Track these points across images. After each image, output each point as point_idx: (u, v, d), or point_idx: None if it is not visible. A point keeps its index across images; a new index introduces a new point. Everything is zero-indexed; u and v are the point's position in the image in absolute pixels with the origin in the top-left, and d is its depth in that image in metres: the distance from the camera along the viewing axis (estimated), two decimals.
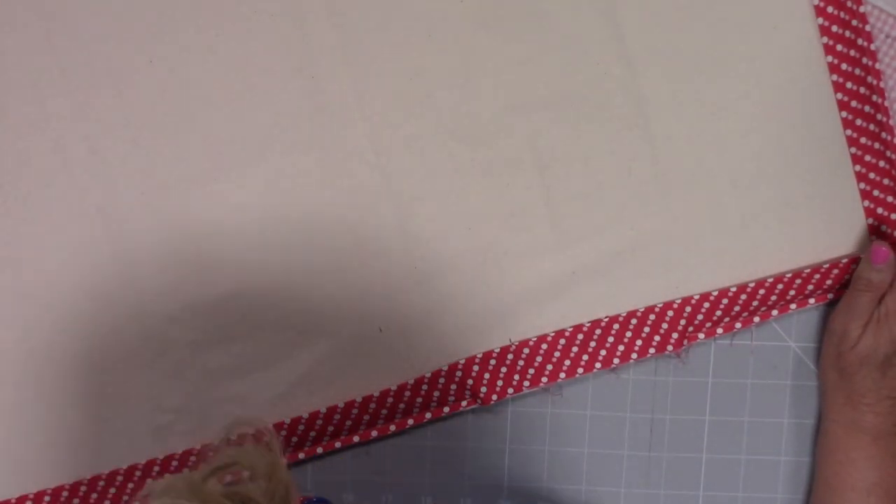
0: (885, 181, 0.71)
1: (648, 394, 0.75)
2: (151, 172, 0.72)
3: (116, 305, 0.72)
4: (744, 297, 0.72)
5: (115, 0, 0.71)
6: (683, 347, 0.72)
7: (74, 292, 0.72)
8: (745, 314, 0.72)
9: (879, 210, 0.72)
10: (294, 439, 0.73)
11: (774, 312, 0.72)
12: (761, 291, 0.72)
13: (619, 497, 0.76)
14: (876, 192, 0.72)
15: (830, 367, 0.72)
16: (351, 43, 0.72)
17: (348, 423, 0.73)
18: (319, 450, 0.73)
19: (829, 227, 0.72)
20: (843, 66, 0.71)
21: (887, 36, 0.72)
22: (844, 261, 0.72)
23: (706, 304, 0.72)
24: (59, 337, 0.73)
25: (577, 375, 0.73)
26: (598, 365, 0.73)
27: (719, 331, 0.72)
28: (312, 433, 0.73)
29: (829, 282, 0.72)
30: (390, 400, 0.73)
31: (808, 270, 0.72)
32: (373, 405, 0.73)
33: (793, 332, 0.75)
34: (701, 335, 0.72)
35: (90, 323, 0.73)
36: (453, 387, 0.73)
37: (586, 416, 0.75)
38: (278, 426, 0.73)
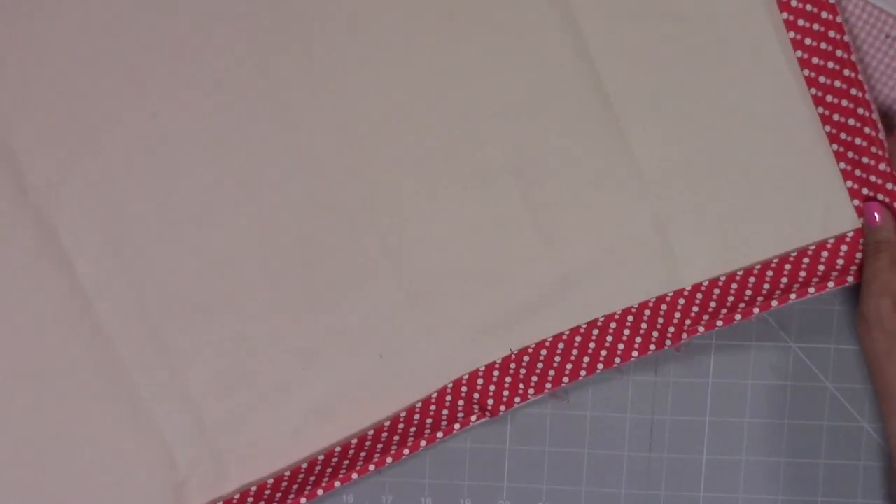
0: (865, 160, 0.70)
1: (648, 394, 0.75)
2: (133, 227, 0.72)
3: (110, 368, 0.73)
4: (734, 285, 0.72)
5: (84, 58, 0.72)
6: (683, 341, 0.72)
7: (61, 373, 0.73)
8: (743, 304, 0.71)
9: (864, 190, 0.71)
10: (312, 478, 0.73)
11: (774, 303, 0.71)
12: (751, 279, 0.72)
13: (620, 498, 0.76)
14: (858, 172, 0.71)
15: (882, 358, 0.68)
16: (320, 70, 0.72)
17: (363, 454, 0.73)
18: (337, 484, 0.73)
19: (816, 212, 0.72)
20: (808, 41, 0.71)
21: (887, 36, 0.72)
22: (832, 241, 0.71)
23: (699, 295, 0.72)
24: (56, 411, 0.73)
25: (581, 378, 0.73)
26: (600, 366, 0.73)
27: (719, 323, 0.71)
28: (329, 469, 0.73)
29: (821, 266, 0.71)
30: (401, 426, 0.73)
31: (794, 254, 0.71)
32: (385, 434, 0.73)
33: (793, 332, 0.75)
34: (700, 328, 0.71)
35: (86, 392, 0.73)
36: (461, 403, 0.73)
37: (586, 416, 0.75)
38: (295, 471, 0.73)
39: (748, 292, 0.72)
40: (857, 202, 0.71)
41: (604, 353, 0.73)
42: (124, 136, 0.72)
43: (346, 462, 0.73)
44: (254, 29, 0.72)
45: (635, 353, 0.72)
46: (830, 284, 0.70)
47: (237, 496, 0.74)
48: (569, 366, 0.73)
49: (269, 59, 0.72)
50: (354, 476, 0.73)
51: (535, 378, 0.73)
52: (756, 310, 0.71)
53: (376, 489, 0.76)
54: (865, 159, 0.70)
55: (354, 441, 0.73)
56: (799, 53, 0.70)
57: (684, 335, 0.72)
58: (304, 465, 0.74)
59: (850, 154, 0.71)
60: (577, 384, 0.74)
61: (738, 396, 0.75)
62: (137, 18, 0.72)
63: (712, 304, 0.72)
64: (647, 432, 0.75)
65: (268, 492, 0.73)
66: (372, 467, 0.73)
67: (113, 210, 0.72)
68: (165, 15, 0.72)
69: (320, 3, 0.72)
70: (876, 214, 0.69)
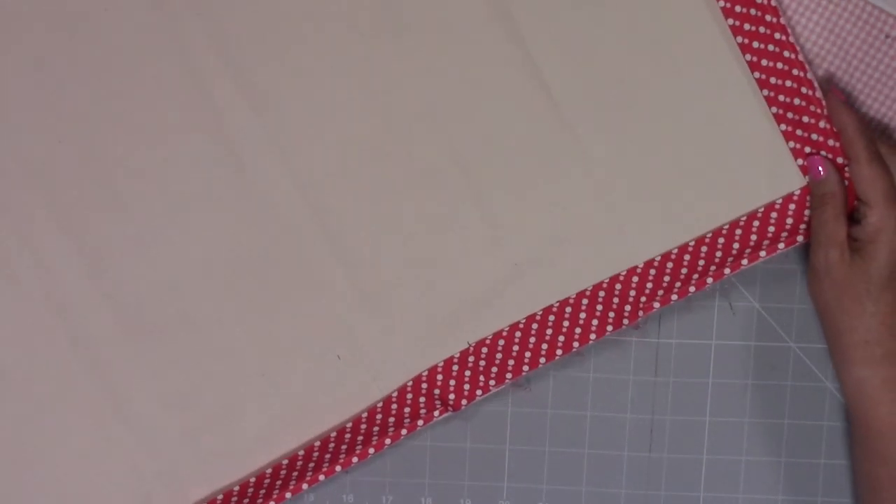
0: (805, 119, 0.71)
1: (648, 394, 0.75)
2: (85, 249, 0.72)
3: (79, 388, 0.73)
4: (687, 256, 0.72)
5: (17, 84, 0.72)
6: (640, 318, 0.72)
7: (30, 382, 0.73)
8: (696, 276, 0.72)
9: (807, 149, 0.72)
10: (279, 482, 0.73)
11: (727, 271, 0.71)
12: (703, 248, 0.72)
13: (620, 498, 0.76)
14: (799, 132, 0.72)
15: (832, 306, 0.68)
16: (251, 85, 0.72)
17: (328, 455, 0.73)
18: (305, 486, 0.73)
19: (761, 175, 0.72)
20: (738, 9, 0.71)
21: (887, 36, 0.72)
22: (780, 202, 0.72)
23: (652, 271, 0.73)
24: (22, 428, 0.73)
25: (541, 365, 0.73)
26: (559, 351, 0.73)
27: (674, 297, 0.72)
28: (295, 472, 0.73)
29: (771, 228, 0.71)
30: (364, 426, 0.74)
31: (744, 219, 0.72)
32: (348, 435, 0.74)
33: (793, 332, 0.75)
34: (656, 303, 0.72)
35: (54, 408, 0.73)
36: (422, 399, 0.73)
37: (586, 416, 0.75)
38: (260, 477, 0.73)
39: (701, 262, 0.72)
40: (800, 161, 0.72)
41: (562, 338, 0.73)
42: (70, 156, 0.72)
43: (312, 465, 0.73)
44: (190, 47, 0.72)
45: (593, 336, 0.73)
46: (781, 245, 0.71)
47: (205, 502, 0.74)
48: (528, 354, 0.73)
49: (206, 77, 0.72)
50: (321, 478, 0.73)
51: (495, 369, 0.73)
52: (710, 279, 0.71)
53: (376, 489, 0.76)
54: (805, 118, 0.71)
55: (318, 443, 0.74)
56: (731, 21, 0.71)
57: (641, 312, 0.72)
58: (269, 471, 0.74)
59: (789, 115, 0.71)
60: (573, 383, 0.74)
61: (738, 396, 0.75)
62: (69, 46, 0.72)
63: (666, 278, 0.72)
64: (647, 432, 0.75)
65: (234, 499, 0.73)
66: (338, 468, 0.73)
67: (77, 225, 0.73)
68: (96, 39, 0.72)
69: (253, 4, 0.72)
70: (820, 168, 0.69)
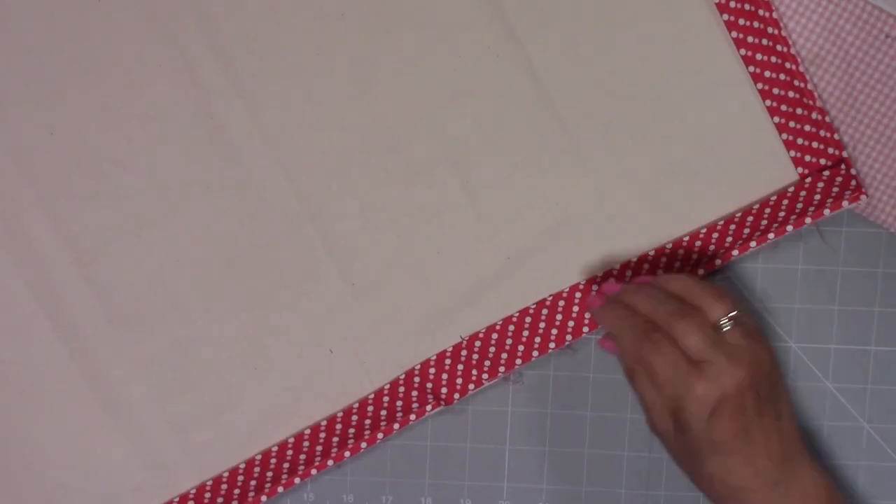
0: (798, 111, 0.72)
1: None
2: (75, 241, 0.73)
3: (66, 378, 0.73)
4: (681, 251, 0.72)
5: (8, 75, 0.72)
6: None
7: (19, 373, 0.73)
8: (689, 270, 0.72)
9: (799, 140, 0.72)
10: (269, 473, 0.73)
11: (718, 262, 0.71)
12: (697, 243, 0.72)
13: (620, 498, 0.76)
14: (792, 124, 0.72)
15: (684, 467, 0.66)
16: (241, 77, 0.72)
17: (319, 448, 0.73)
18: (297, 480, 0.73)
19: (755, 170, 0.73)
20: (732, 4, 0.71)
21: (887, 36, 0.72)
22: (774, 198, 0.72)
23: (645, 265, 0.73)
24: (11, 419, 0.73)
25: (534, 359, 0.73)
26: (551, 345, 0.73)
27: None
28: (286, 464, 0.73)
29: (763, 222, 0.72)
30: (355, 418, 0.74)
31: (739, 215, 0.72)
32: (339, 426, 0.74)
33: (793, 332, 0.75)
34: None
35: (43, 399, 0.73)
36: (414, 393, 0.73)
37: (586, 416, 0.75)
38: (250, 465, 0.73)
39: (694, 256, 0.72)
40: (793, 154, 0.72)
41: (554, 331, 0.73)
42: (55, 150, 0.72)
43: (303, 457, 0.74)
44: (182, 39, 0.72)
45: (586, 329, 0.73)
46: (771, 236, 0.71)
47: (193, 491, 0.74)
48: (521, 347, 0.73)
49: (197, 70, 0.72)
50: (313, 472, 0.73)
51: (487, 363, 0.73)
52: (701, 271, 0.72)
53: (376, 489, 0.76)
54: (799, 111, 0.72)
55: (308, 433, 0.74)
56: (725, 16, 0.71)
57: None
58: (259, 458, 0.74)
59: (783, 108, 0.72)
60: (572, 382, 0.74)
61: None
62: (58, 37, 0.72)
63: (660, 272, 0.72)
64: (647, 432, 0.75)
65: (224, 486, 0.74)
66: (330, 462, 0.73)
67: (67, 216, 0.73)
68: (89, 31, 0.72)
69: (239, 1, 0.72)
70: (610, 344, 0.67)
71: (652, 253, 0.73)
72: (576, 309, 0.73)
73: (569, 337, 0.73)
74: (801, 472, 0.64)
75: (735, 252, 0.71)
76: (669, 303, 0.64)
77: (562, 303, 0.73)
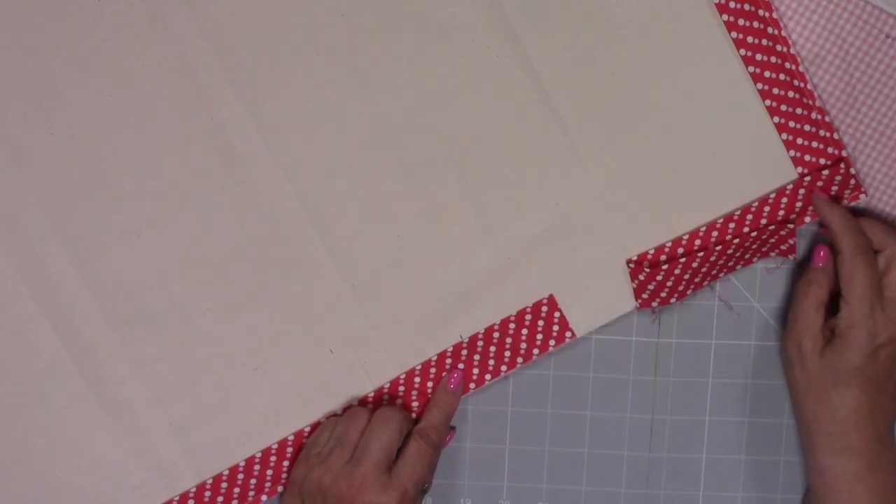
0: (798, 111, 0.72)
1: (648, 394, 0.75)
2: (75, 241, 0.72)
3: (66, 378, 0.73)
4: (681, 250, 0.72)
5: (8, 75, 0.72)
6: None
7: (19, 373, 0.73)
8: (687, 275, 0.72)
9: (799, 140, 0.72)
10: (269, 473, 0.73)
11: (722, 274, 0.72)
12: (697, 241, 0.72)
13: (619, 497, 0.76)
14: (792, 124, 0.72)
15: (801, 395, 0.70)
16: (242, 77, 0.72)
17: None
18: None
19: (755, 169, 0.73)
20: (732, 4, 0.71)
21: (887, 36, 0.72)
22: (773, 194, 0.72)
23: (645, 265, 0.73)
24: (11, 419, 0.73)
25: (534, 357, 0.73)
26: (552, 342, 0.73)
27: (673, 300, 0.72)
28: (286, 464, 0.73)
29: (763, 220, 0.72)
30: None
31: (739, 213, 0.72)
32: None
33: None
34: (654, 304, 0.72)
35: (43, 399, 0.73)
36: (414, 393, 0.74)
37: (586, 416, 0.75)
38: (250, 464, 0.73)
39: (695, 262, 0.72)
40: (793, 153, 0.72)
41: (556, 328, 0.73)
42: (54, 150, 0.72)
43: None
44: (182, 40, 0.72)
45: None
46: (773, 240, 0.71)
47: (193, 491, 0.74)
48: (523, 346, 0.73)
49: (197, 70, 0.72)
50: None
51: (492, 362, 0.74)
52: (706, 281, 0.72)
53: None
54: (799, 111, 0.72)
55: (307, 429, 0.74)
56: (725, 17, 0.71)
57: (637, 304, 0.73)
58: (259, 458, 0.74)
59: (783, 108, 0.72)
60: (572, 382, 0.74)
61: (737, 396, 0.75)
62: (57, 37, 0.72)
63: (660, 276, 0.72)
64: (646, 432, 0.75)
65: (224, 486, 0.74)
66: None
67: (66, 216, 0.73)
68: (89, 30, 0.72)
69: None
70: (822, 254, 0.70)
71: (652, 252, 0.73)
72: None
73: (568, 334, 0.73)
74: (892, 448, 0.69)
75: (739, 266, 0.71)
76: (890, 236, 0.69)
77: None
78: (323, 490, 0.67)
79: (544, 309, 0.73)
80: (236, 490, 0.74)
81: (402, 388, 0.74)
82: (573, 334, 0.73)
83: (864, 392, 0.67)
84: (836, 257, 0.69)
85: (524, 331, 0.73)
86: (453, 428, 0.74)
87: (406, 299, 0.74)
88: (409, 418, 0.70)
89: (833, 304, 0.70)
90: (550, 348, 0.73)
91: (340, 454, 0.68)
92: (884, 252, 0.69)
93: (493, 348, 0.74)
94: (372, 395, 0.74)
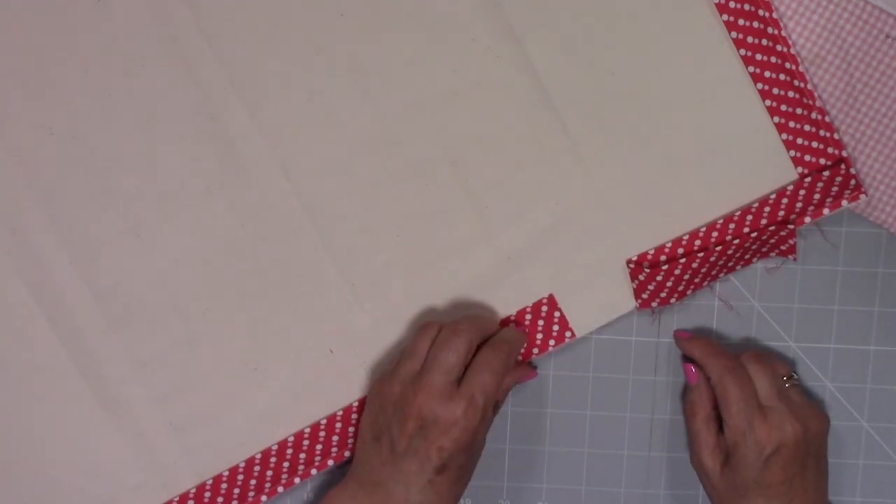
0: (798, 111, 0.72)
1: (648, 394, 0.75)
2: (75, 241, 0.73)
3: (66, 378, 0.73)
4: (681, 251, 0.72)
5: (8, 74, 0.72)
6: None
7: (19, 373, 0.73)
8: (687, 275, 0.72)
9: (799, 140, 0.72)
10: (269, 473, 0.73)
11: (722, 273, 0.72)
12: (697, 242, 0.72)
13: (619, 497, 0.76)
14: (792, 124, 0.72)
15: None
16: (241, 77, 0.72)
17: (319, 447, 0.73)
18: (297, 480, 0.73)
19: (755, 170, 0.73)
20: (732, 4, 0.71)
21: (887, 36, 0.72)
22: (774, 196, 0.72)
23: (646, 265, 0.73)
24: (11, 419, 0.73)
25: (534, 356, 0.74)
26: (552, 342, 0.73)
27: (673, 300, 0.72)
28: (286, 464, 0.73)
29: (763, 220, 0.72)
30: (355, 417, 0.74)
31: (739, 214, 0.72)
32: (339, 426, 0.74)
33: (793, 332, 0.75)
34: (654, 304, 0.72)
35: (43, 399, 0.73)
36: None
37: (586, 416, 0.75)
38: (250, 464, 0.73)
39: (696, 263, 0.72)
40: (793, 153, 0.72)
41: (555, 328, 0.73)
42: (55, 150, 0.72)
43: (303, 457, 0.74)
44: (182, 39, 0.72)
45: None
46: (773, 240, 0.71)
47: (193, 491, 0.74)
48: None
49: (197, 69, 0.72)
50: (313, 472, 0.73)
51: None
52: (706, 281, 0.72)
53: None
54: (799, 111, 0.72)
55: (308, 432, 0.74)
56: (725, 17, 0.71)
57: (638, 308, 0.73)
58: (259, 458, 0.74)
59: (783, 108, 0.72)
60: (572, 381, 0.74)
61: None
62: (57, 37, 0.72)
63: (660, 276, 0.72)
64: (646, 431, 0.76)
65: (224, 486, 0.74)
66: (330, 462, 0.73)
67: (66, 216, 0.73)
68: (88, 30, 0.72)
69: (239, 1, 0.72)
70: (694, 370, 0.71)
71: (652, 252, 0.73)
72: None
73: (568, 334, 0.73)
74: None
75: (739, 267, 0.71)
76: (749, 352, 0.70)
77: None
78: (393, 400, 0.67)
79: (544, 309, 0.73)
80: (236, 490, 0.74)
81: None
82: (573, 334, 0.73)
83: (769, 498, 0.67)
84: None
85: (525, 332, 0.73)
86: (535, 367, 0.74)
87: (406, 300, 0.74)
88: (479, 329, 0.69)
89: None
90: (550, 348, 0.73)
91: (410, 365, 0.68)
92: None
93: None
94: None
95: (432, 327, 0.69)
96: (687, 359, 0.73)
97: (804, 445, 0.68)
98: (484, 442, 0.69)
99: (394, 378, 0.68)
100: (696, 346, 0.71)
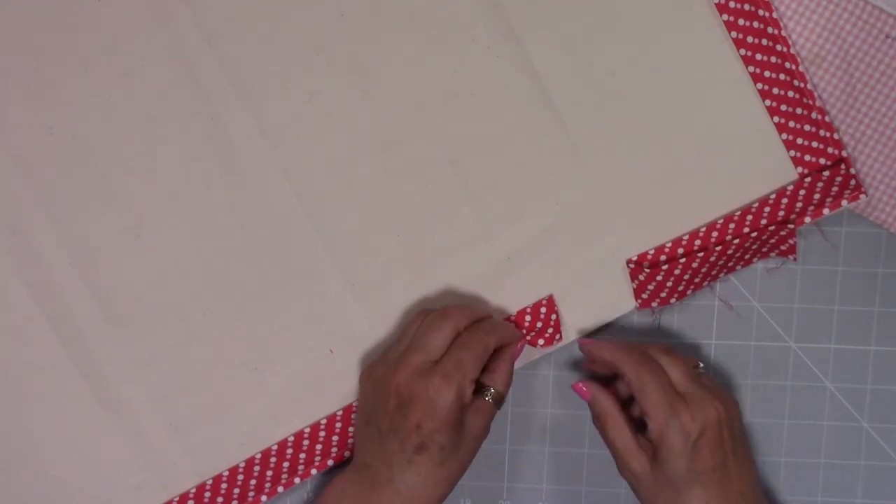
0: (798, 111, 0.72)
1: None
2: (75, 242, 0.73)
3: (66, 378, 0.73)
4: (681, 250, 0.72)
5: (7, 74, 0.72)
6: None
7: (19, 373, 0.73)
8: (687, 275, 0.72)
9: (799, 140, 0.72)
10: (269, 473, 0.73)
11: (722, 273, 0.72)
12: (697, 242, 0.72)
13: (619, 497, 0.76)
14: (792, 123, 0.72)
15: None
16: (241, 77, 0.72)
17: (318, 447, 0.74)
18: (297, 480, 0.73)
19: (755, 170, 0.73)
20: (732, 4, 0.72)
21: (887, 36, 0.72)
22: (773, 196, 0.72)
23: (645, 265, 0.73)
24: (11, 419, 0.73)
25: (535, 356, 0.74)
26: (557, 337, 0.73)
27: (673, 300, 0.72)
28: (286, 464, 0.73)
29: (763, 220, 0.72)
30: (355, 416, 0.74)
31: (739, 214, 0.72)
32: (339, 425, 0.74)
33: (793, 332, 0.75)
34: (654, 304, 0.72)
35: (43, 399, 0.73)
36: None
37: (586, 416, 0.75)
38: (250, 464, 0.73)
39: (695, 263, 0.72)
40: (793, 153, 0.72)
41: (550, 330, 0.73)
42: (55, 150, 0.72)
43: (303, 457, 0.74)
44: (182, 40, 0.72)
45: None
46: (773, 240, 0.71)
47: (193, 491, 0.74)
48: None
49: (197, 70, 0.72)
50: (313, 472, 0.73)
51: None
52: (706, 282, 0.72)
53: None
54: (799, 110, 0.72)
55: (308, 432, 0.74)
56: (725, 17, 0.72)
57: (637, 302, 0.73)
58: (259, 458, 0.74)
59: (783, 108, 0.72)
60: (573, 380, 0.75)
61: (738, 396, 0.75)
62: (58, 37, 0.72)
63: (660, 276, 0.72)
64: None
65: (224, 486, 0.74)
66: (330, 462, 0.73)
67: (66, 216, 0.73)
68: (88, 30, 0.72)
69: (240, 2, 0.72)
70: (584, 389, 0.70)
71: (652, 252, 0.73)
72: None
73: (557, 337, 0.73)
74: None
75: (739, 266, 0.71)
76: (655, 344, 0.70)
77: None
78: (378, 381, 0.67)
79: (543, 310, 0.73)
80: (236, 490, 0.74)
81: None
82: (561, 337, 0.73)
83: (706, 486, 0.66)
84: (622, 378, 0.69)
85: (522, 331, 0.73)
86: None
87: (406, 299, 0.74)
88: (467, 316, 0.69)
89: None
90: (554, 346, 0.73)
91: (397, 348, 0.69)
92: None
93: None
94: None
95: (426, 313, 0.70)
96: (593, 376, 0.72)
97: (728, 426, 0.66)
98: (479, 432, 0.68)
99: (381, 361, 0.69)
100: (605, 347, 0.69)
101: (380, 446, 0.67)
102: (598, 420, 0.69)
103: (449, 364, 0.66)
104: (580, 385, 0.70)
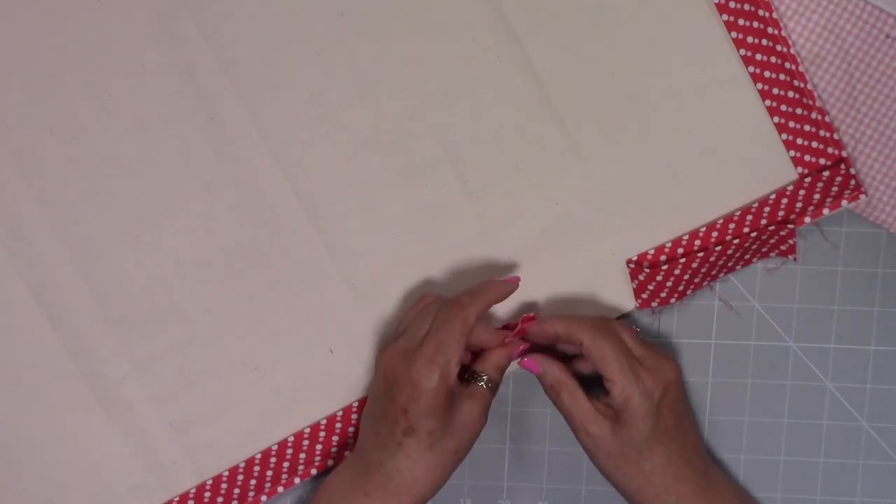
0: (798, 111, 0.72)
1: None
2: (75, 242, 0.72)
3: (66, 378, 0.73)
4: (681, 250, 0.72)
5: (7, 75, 0.72)
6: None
7: (19, 373, 0.73)
8: (687, 275, 0.72)
9: (799, 140, 0.72)
10: (269, 473, 0.73)
11: (721, 273, 0.72)
12: (697, 242, 0.72)
13: (619, 497, 0.76)
14: (792, 124, 0.72)
15: (614, 473, 0.69)
16: (241, 77, 0.72)
17: (318, 447, 0.73)
18: (297, 480, 0.73)
19: (755, 170, 0.73)
20: (731, 4, 0.72)
21: (887, 36, 0.72)
22: (773, 197, 0.72)
23: (645, 265, 0.73)
24: (11, 419, 0.73)
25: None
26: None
27: (673, 300, 0.72)
28: (286, 464, 0.73)
29: (763, 220, 0.72)
30: (355, 417, 0.74)
31: (738, 214, 0.72)
32: (339, 426, 0.74)
33: (793, 331, 0.75)
34: (654, 304, 0.72)
35: (42, 399, 0.73)
36: None
37: None
38: (250, 464, 0.74)
39: (695, 263, 0.72)
40: (793, 153, 0.72)
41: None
42: (55, 150, 0.72)
43: (303, 457, 0.74)
44: (181, 38, 0.72)
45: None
46: (773, 241, 0.71)
47: (193, 491, 0.74)
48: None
49: (197, 70, 0.72)
50: (313, 472, 0.73)
51: None
52: (706, 282, 0.72)
53: None
54: (799, 111, 0.72)
55: (308, 432, 0.74)
56: (725, 17, 0.72)
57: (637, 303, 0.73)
58: (259, 458, 0.74)
59: (783, 108, 0.72)
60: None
61: (738, 396, 0.75)
62: (58, 37, 0.72)
63: (660, 276, 0.72)
64: None
65: (224, 486, 0.74)
66: (330, 462, 0.73)
67: (65, 216, 0.73)
68: (88, 30, 0.72)
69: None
70: (537, 364, 0.69)
71: (652, 252, 0.73)
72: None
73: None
74: (717, 473, 0.71)
75: (738, 267, 0.71)
76: (594, 315, 0.70)
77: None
78: (380, 367, 0.67)
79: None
80: (236, 490, 0.74)
81: None
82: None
83: (667, 444, 0.67)
84: (581, 351, 0.68)
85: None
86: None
87: (406, 299, 0.74)
88: (451, 301, 0.68)
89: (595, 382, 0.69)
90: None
91: (393, 336, 0.70)
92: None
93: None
94: None
95: (423, 299, 0.70)
96: (537, 351, 0.71)
97: (680, 386, 0.69)
98: (473, 419, 0.67)
99: (383, 349, 0.69)
100: (557, 321, 0.69)
101: (374, 431, 0.67)
102: (552, 391, 0.69)
103: (430, 347, 0.66)
104: (527, 360, 0.70)
